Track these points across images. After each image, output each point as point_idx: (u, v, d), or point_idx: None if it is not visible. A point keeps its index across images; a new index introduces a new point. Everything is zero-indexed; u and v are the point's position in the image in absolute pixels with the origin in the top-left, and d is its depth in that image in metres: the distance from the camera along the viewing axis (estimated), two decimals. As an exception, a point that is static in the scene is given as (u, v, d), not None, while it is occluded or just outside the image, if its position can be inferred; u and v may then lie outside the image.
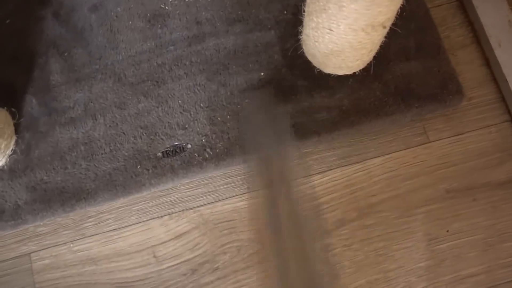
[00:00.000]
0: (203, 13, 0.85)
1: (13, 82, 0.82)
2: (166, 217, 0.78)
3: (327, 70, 0.80)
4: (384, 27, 0.66)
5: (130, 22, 0.85)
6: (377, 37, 0.69)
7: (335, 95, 0.80)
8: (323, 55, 0.75)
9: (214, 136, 0.78)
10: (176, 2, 0.86)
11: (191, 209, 0.79)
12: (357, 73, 0.80)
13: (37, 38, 0.85)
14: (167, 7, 0.86)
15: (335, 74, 0.80)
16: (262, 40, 0.83)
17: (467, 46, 0.87)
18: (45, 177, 0.77)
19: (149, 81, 0.82)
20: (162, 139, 0.79)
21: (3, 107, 0.79)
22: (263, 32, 0.84)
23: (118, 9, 0.86)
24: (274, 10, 0.85)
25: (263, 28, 0.84)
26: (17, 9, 0.87)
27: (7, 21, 0.86)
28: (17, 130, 0.80)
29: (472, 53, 0.86)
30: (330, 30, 0.67)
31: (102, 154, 0.78)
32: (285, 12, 0.85)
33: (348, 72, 0.80)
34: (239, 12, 0.85)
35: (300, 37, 0.82)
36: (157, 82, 0.82)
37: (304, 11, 0.75)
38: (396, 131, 0.82)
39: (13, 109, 0.80)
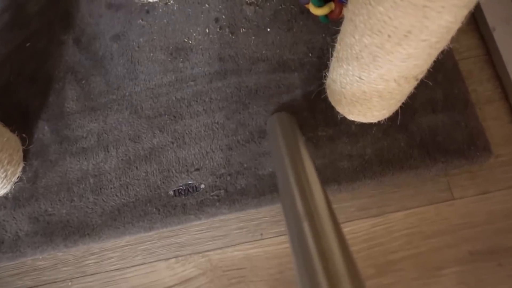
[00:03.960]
0: (227, 50, 0.83)
1: (28, 106, 0.80)
2: (172, 260, 0.74)
3: (351, 117, 0.77)
4: (417, 80, 0.64)
5: (151, 54, 0.83)
6: (408, 89, 0.67)
7: (357, 143, 0.77)
8: (348, 102, 0.73)
9: (229, 177, 0.75)
10: (200, 37, 0.84)
11: (199, 253, 0.74)
12: (381, 122, 0.77)
13: (56, 62, 0.83)
14: (190, 41, 0.84)
15: (358, 122, 0.78)
16: (285, 81, 0.81)
17: (495, 102, 0.84)
18: (49, 209, 0.74)
19: (166, 116, 0.79)
20: (175, 176, 0.75)
21: (13, 132, 0.77)
22: (286, 73, 0.82)
23: (141, 39, 0.85)
24: (299, 52, 0.83)
25: (287, 70, 0.82)
26: (39, 32, 0.86)
27: (28, 44, 0.84)
28: (25, 157, 0.77)
29: (500, 109, 0.84)
30: (360, 78, 0.65)
31: (111, 188, 0.75)
32: (310, 54, 0.83)
33: (373, 120, 0.77)
34: (263, 52, 0.83)
35: (325, 81, 0.80)
36: (175, 117, 0.79)
37: (332, 56, 0.74)
38: (419, 185, 0.78)
39: (23, 135, 0.77)
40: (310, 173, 0.55)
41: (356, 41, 0.59)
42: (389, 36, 0.53)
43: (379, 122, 0.77)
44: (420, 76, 0.64)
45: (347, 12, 0.60)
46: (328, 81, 0.77)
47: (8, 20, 0.86)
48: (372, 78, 0.63)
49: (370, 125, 0.78)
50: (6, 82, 0.82)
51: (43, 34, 0.86)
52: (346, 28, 0.61)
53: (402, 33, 0.51)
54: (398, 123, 0.77)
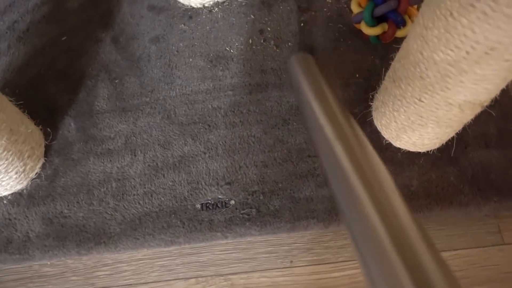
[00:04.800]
0: (269, 62, 0.79)
1: (56, 100, 0.76)
2: (192, 280, 0.67)
3: (398, 144, 0.72)
4: (482, 107, 0.59)
5: (190, 59, 0.80)
6: (469, 116, 0.61)
7: (403, 172, 0.71)
8: (399, 127, 0.68)
9: (262, 196, 0.69)
10: (242, 47, 0.81)
11: (222, 275, 0.68)
12: (430, 152, 0.72)
13: (90, 59, 0.79)
14: (232, 51, 0.80)
15: (405, 149, 0.72)
16: (328, 100, 0.76)
17: (550, 143, 0.78)
18: (65, 210, 0.68)
19: (200, 124, 0.74)
20: (204, 189, 0.69)
21: (38, 126, 0.72)
22: (330, 92, 0.77)
23: (181, 44, 0.81)
24: (345, 72, 0.79)
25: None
26: (76, 28, 0.83)
27: (64, 38, 0.81)
28: (46, 153, 0.72)
29: (556, 151, 0.78)
30: (420, 100, 0.60)
31: (134, 195, 0.69)
32: (357, 75, 0.79)
33: (421, 149, 0.72)
34: (308, 68, 0.79)
35: (371, 103, 0.75)
36: (209, 126, 0.74)
37: (383, 77, 0.69)
38: (467, 225, 0.72)
39: (48, 129, 0.72)
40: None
41: (423, 58, 0.55)
42: (467, 53, 0.48)
43: (427, 152, 0.72)
44: (486, 104, 0.59)
45: (416, 26, 0.56)
46: (376, 104, 0.72)
47: (47, 13, 0.84)
48: (434, 101, 0.58)
49: (418, 154, 0.72)
50: (36, 74, 0.78)
51: (81, 30, 0.83)
52: (411, 44, 0.57)
53: (483, 50, 0.47)
54: (447, 155, 0.71)
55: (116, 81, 0.78)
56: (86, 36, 0.82)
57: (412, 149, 0.72)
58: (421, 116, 0.62)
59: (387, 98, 0.67)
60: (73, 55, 0.80)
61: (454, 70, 0.51)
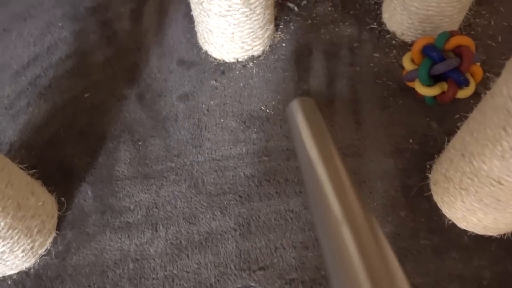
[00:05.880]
0: (309, 124, 0.70)
1: (73, 164, 0.69)
2: None
3: (464, 225, 0.61)
4: None
5: (221, 120, 0.72)
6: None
7: (472, 261, 0.59)
8: (467, 207, 0.57)
9: (301, 286, 0.58)
10: (279, 106, 0.73)
11: None
12: (504, 236, 0.60)
13: (113, 118, 0.73)
14: (268, 110, 0.72)
15: (473, 232, 0.61)
16: (377, 167, 0.67)
17: None
18: (75, 295, 0.59)
19: (231, 194, 0.65)
20: (233, 274, 0.60)
21: (52, 193, 0.65)
22: (380, 157, 0.67)
23: (211, 102, 0.74)
24: (396, 136, 0.69)
25: (380, 153, 0.68)
26: (100, 84, 0.77)
27: (86, 95, 0.75)
28: (59, 225, 0.64)
29: None
30: (499, 183, 0.49)
31: (153, 279, 0.60)
32: (411, 140, 0.69)
33: (493, 233, 0.60)
34: (354, 135, 0.70)
35: (429, 174, 0.64)
36: (241, 197, 0.65)
37: (446, 146, 0.59)
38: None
39: (62, 199, 0.65)
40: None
41: (507, 136, 0.45)
42: None
43: (500, 236, 0.60)
44: None
45: (495, 96, 0.46)
46: (436, 176, 0.62)
47: (70, 67, 0.79)
48: (518, 184, 0.47)
49: (489, 239, 0.60)
50: (54, 135, 0.72)
51: (104, 86, 0.77)
52: (489, 117, 0.47)
53: None
54: (531, 243, 0.59)
55: (140, 143, 0.71)
56: (110, 92, 0.76)
57: (481, 232, 0.60)
58: (498, 200, 0.51)
59: (452, 173, 0.56)
60: (95, 113, 0.74)
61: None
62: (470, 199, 0.55)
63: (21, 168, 0.60)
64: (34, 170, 0.66)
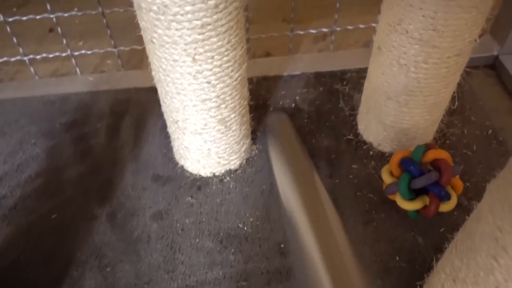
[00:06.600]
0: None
1: (30, 296, 0.62)
2: None
3: None
4: None
5: (197, 240, 0.67)
6: None
7: None
8: None
9: None
10: (258, 222, 0.69)
11: None
12: None
13: (80, 242, 0.68)
14: (245, 228, 0.69)
15: None
16: (366, 291, 0.61)
17: None
18: None
19: (206, 328, 0.59)
20: None
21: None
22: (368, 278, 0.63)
23: (186, 220, 0.70)
24: (382, 253, 0.65)
25: (367, 273, 0.63)
26: (70, 203, 0.73)
27: (53, 216, 0.71)
28: None
29: None
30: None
31: None
32: (397, 258, 0.65)
33: None
34: (337, 248, 0.66)
35: (421, 298, 0.59)
36: (217, 331, 0.58)
37: (433, 263, 0.55)
38: None
39: None
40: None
41: (499, 266, 0.41)
42: None
43: None
44: None
45: (481, 220, 0.43)
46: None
47: (39, 186, 0.75)
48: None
49: None
50: (14, 261, 0.66)
51: (74, 206, 0.73)
52: (475, 242, 0.44)
53: None
54: None
55: (107, 269, 0.65)
56: (80, 212, 0.72)
57: None
58: (500, 333, 0.46)
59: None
60: (62, 237, 0.69)
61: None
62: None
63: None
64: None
